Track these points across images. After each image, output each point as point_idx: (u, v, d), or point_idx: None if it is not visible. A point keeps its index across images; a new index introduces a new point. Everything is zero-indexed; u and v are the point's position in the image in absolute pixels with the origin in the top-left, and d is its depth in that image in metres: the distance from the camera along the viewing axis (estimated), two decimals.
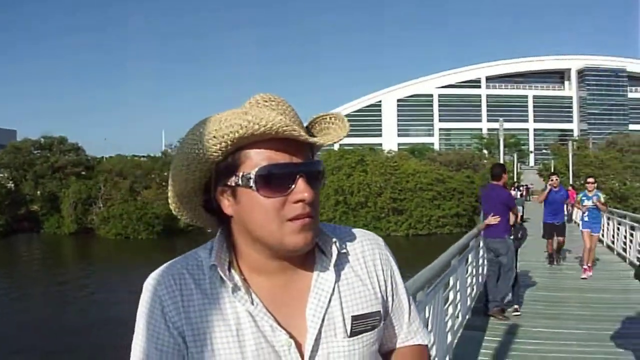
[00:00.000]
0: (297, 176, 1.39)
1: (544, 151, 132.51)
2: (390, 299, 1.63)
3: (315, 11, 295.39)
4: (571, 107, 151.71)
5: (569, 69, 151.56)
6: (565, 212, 19.13)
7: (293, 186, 1.39)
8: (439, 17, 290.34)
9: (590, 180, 14.87)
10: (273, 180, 1.39)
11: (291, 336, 1.45)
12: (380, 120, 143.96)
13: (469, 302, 9.95)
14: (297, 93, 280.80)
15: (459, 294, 8.35)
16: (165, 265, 1.53)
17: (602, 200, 14.52)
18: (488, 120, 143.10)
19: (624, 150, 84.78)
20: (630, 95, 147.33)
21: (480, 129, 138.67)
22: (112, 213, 64.56)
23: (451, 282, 7.91)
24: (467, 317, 9.48)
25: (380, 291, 1.59)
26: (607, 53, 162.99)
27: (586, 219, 14.25)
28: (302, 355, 1.46)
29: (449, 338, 7.43)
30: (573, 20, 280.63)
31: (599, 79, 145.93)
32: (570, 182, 51.08)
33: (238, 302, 1.45)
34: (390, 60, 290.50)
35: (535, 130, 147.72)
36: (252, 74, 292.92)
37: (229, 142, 1.38)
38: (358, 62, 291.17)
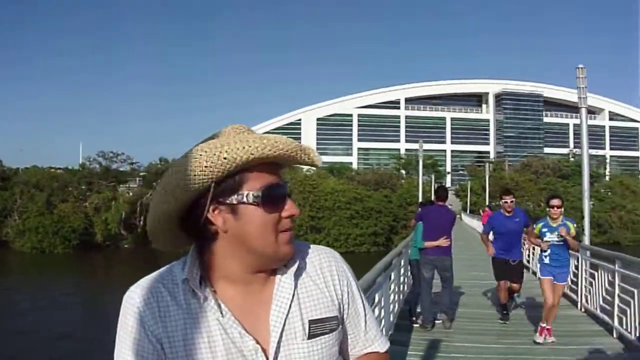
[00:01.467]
0: (287, 195, 1.61)
1: (460, 172, 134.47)
2: (346, 306, 1.75)
3: (240, 26, 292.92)
4: (488, 130, 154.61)
5: (487, 93, 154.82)
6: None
7: (285, 204, 1.60)
8: (358, 39, 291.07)
9: (556, 202, 9.60)
10: (274, 198, 1.58)
11: (257, 341, 1.58)
12: (299, 139, 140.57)
13: (392, 319, 10.19)
14: (215, 108, 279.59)
15: (383, 310, 8.60)
16: (142, 280, 1.66)
17: (573, 232, 9.60)
18: (406, 141, 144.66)
19: (539, 172, 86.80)
20: (546, 119, 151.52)
21: (399, 149, 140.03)
22: (28, 226, 63.14)
23: (376, 299, 8.08)
24: (391, 332, 9.71)
25: (337, 299, 1.72)
26: (525, 78, 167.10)
27: (547, 260, 9.51)
28: (267, 358, 1.58)
29: None
30: (492, 45, 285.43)
31: (516, 103, 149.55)
32: (487, 203, 51.83)
33: (209, 312, 1.58)
34: (310, 79, 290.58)
35: (452, 151, 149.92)
36: (169, 88, 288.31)
37: (239, 163, 1.52)
38: (278, 79, 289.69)
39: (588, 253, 13.97)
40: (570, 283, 14.46)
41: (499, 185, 73.68)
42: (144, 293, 1.61)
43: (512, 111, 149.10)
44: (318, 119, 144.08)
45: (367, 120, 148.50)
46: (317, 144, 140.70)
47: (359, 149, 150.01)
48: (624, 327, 10.06)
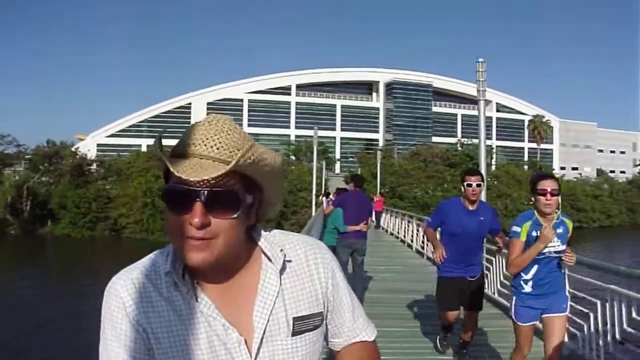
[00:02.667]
0: (195, 201, 1.46)
1: (350, 159, 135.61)
2: (331, 299, 1.75)
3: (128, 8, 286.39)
4: (378, 118, 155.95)
5: (378, 82, 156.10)
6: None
7: (191, 209, 1.46)
8: (249, 22, 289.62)
9: (550, 184, 5.33)
10: (172, 199, 1.49)
11: (241, 334, 1.59)
12: (189, 123, 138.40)
13: None
14: (105, 90, 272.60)
15: None
16: (124, 270, 1.66)
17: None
18: (296, 127, 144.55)
19: (427, 160, 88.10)
20: (435, 109, 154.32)
21: (289, 136, 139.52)
22: None
23: None
24: None
25: (322, 293, 1.72)
26: (416, 68, 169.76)
27: (529, 288, 5.55)
28: (250, 353, 1.59)
29: None
30: (385, 34, 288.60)
31: (406, 92, 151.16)
32: (378, 190, 52.16)
33: (192, 305, 1.59)
34: (201, 63, 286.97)
35: (342, 138, 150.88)
36: (58, 68, 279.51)
37: (158, 156, 1.50)
38: (169, 62, 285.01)
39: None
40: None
41: (388, 172, 74.49)
42: (127, 284, 1.60)
43: (402, 100, 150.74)
44: (208, 103, 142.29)
45: (258, 106, 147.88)
46: None
47: (249, 134, 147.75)
48: None
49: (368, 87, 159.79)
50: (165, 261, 1.61)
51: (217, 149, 1.49)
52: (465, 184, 7.05)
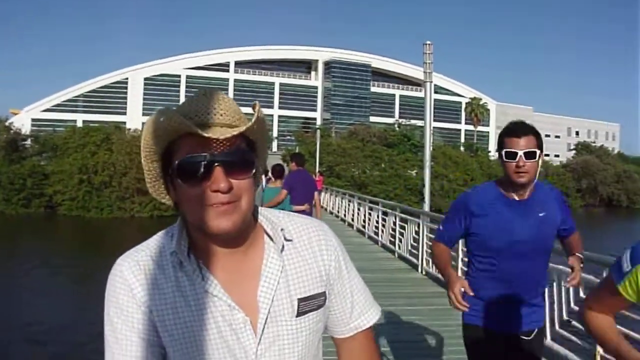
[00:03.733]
0: (214, 166, 1.48)
1: (287, 138, 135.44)
2: (333, 282, 1.74)
3: None
4: (316, 97, 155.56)
5: (317, 60, 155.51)
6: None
7: (211, 176, 1.48)
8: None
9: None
10: (191, 171, 1.49)
11: (246, 315, 1.58)
12: (126, 98, 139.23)
13: None
14: (39, 63, 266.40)
15: None
16: (129, 252, 1.65)
17: None
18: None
19: (365, 140, 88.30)
20: (373, 89, 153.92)
21: None
22: None
23: None
24: None
25: (325, 274, 1.71)
26: (355, 48, 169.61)
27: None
28: (255, 333, 1.59)
29: None
30: (325, 13, 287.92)
31: (345, 71, 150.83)
32: (317, 169, 52.26)
33: (197, 285, 1.58)
34: (139, 38, 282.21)
35: (279, 116, 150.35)
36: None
37: (165, 132, 1.50)
38: (107, 36, 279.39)
39: (428, 219, 14.25)
40: (410, 248, 14.75)
41: (326, 151, 74.50)
42: (132, 265, 1.59)
43: (341, 79, 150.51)
44: (146, 79, 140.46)
45: (195, 82, 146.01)
46: (144, 104, 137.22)
47: None
48: None
49: (307, 66, 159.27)
50: (170, 241, 1.61)
51: (221, 115, 1.51)
52: (504, 152, 3.67)
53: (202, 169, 1.47)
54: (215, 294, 1.56)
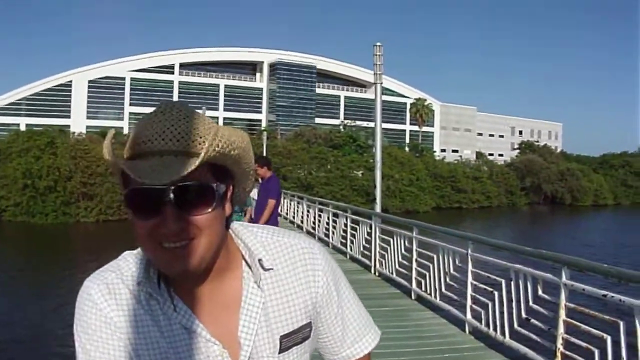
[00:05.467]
0: (163, 202, 1.30)
1: None
2: (320, 309, 1.60)
3: None
4: (261, 99, 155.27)
5: (262, 62, 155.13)
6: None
7: (160, 212, 1.31)
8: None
9: None
10: (138, 204, 1.33)
11: (224, 347, 1.46)
12: (69, 101, 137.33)
13: None
14: None
15: None
16: (97, 273, 1.51)
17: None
18: None
19: (311, 141, 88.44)
20: (318, 90, 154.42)
21: None
22: None
23: None
24: None
25: (311, 303, 1.56)
26: (300, 50, 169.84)
27: None
28: None
29: None
30: (270, 15, 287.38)
31: (290, 73, 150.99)
32: None
33: (171, 315, 1.45)
34: (82, 40, 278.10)
35: (225, 118, 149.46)
36: None
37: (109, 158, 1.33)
38: (47, 39, 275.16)
39: (380, 220, 14.30)
40: (362, 249, 14.78)
41: (272, 153, 74.43)
42: (102, 288, 1.45)
43: (286, 81, 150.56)
44: (90, 82, 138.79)
45: (140, 85, 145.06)
46: (88, 107, 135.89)
47: (130, 113, 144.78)
48: (422, 289, 10.40)
49: (252, 68, 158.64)
50: (139, 264, 1.47)
51: (178, 140, 1.32)
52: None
53: (148, 204, 1.30)
54: (188, 327, 1.44)
